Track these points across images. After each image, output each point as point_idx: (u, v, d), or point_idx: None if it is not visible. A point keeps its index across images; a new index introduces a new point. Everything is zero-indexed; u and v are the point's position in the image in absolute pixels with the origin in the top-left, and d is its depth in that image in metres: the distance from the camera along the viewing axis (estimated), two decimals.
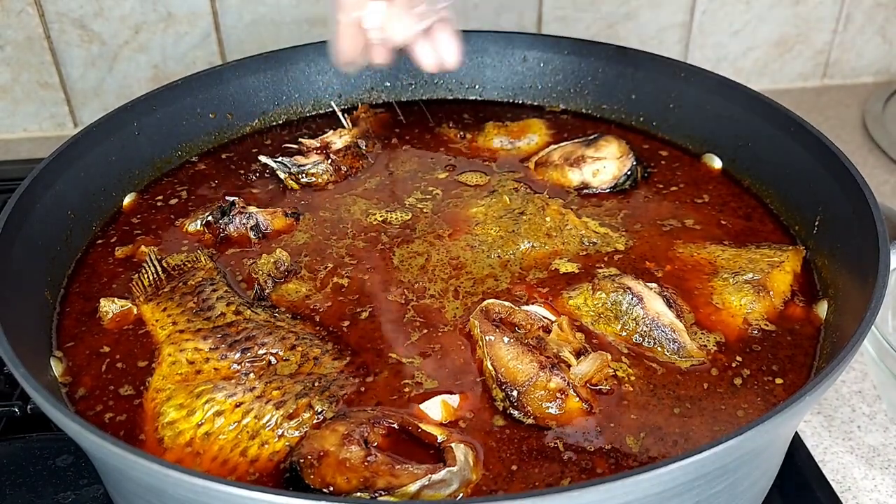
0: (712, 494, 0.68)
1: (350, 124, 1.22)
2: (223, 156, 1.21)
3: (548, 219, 1.02)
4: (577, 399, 0.78)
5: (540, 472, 0.73)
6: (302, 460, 0.71)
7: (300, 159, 1.14)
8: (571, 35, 1.33)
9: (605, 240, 1.01)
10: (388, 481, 0.69)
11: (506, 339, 0.82)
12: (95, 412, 0.81)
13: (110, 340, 0.89)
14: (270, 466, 0.74)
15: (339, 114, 1.23)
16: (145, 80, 1.62)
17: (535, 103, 1.31)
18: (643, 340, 0.86)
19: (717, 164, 1.15)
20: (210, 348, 0.84)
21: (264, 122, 1.28)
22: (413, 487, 0.68)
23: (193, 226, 1.05)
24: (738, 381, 0.83)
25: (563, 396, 0.78)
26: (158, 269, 0.96)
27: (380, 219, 1.06)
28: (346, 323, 0.90)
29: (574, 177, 1.11)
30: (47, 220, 0.96)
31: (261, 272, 0.96)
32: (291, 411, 0.77)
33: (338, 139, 1.18)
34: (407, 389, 0.81)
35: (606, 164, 1.11)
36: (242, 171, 1.17)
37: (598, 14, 1.67)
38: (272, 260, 0.97)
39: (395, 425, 0.76)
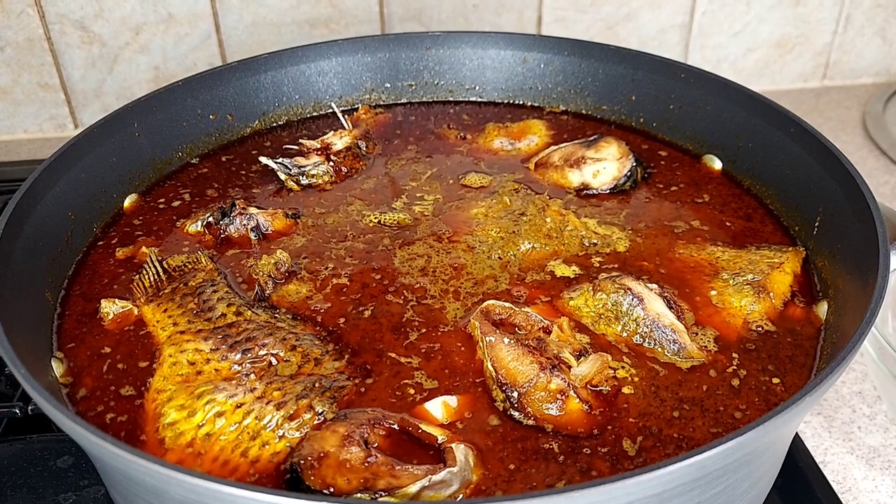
0: (713, 495, 0.68)
1: (350, 125, 1.22)
2: (223, 157, 1.21)
3: (548, 220, 1.02)
4: (578, 400, 0.78)
5: (540, 472, 0.73)
6: (302, 461, 0.71)
7: (300, 160, 1.14)
8: (571, 36, 1.33)
9: (605, 241, 1.01)
10: (389, 482, 0.69)
11: (506, 341, 0.82)
12: (96, 413, 0.81)
13: (111, 341, 0.89)
14: (271, 467, 0.74)
15: (340, 115, 1.24)
16: (146, 81, 1.62)
17: (536, 104, 1.32)
18: (644, 341, 0.86)
19: (717, 164, 1.15)
20: (211, 349, 0.84)
21: (265, 123, 1.28)
22: (413, 488, 0.68)
23: (194, 227, 1.05)
24: (737, 382, 0.83)
25: (563, 398, 0.78)
26: (159, 270, 0.96)
27: (379, 220, 1.06)
28: (347, 324, 0.90)
29: (574, 178, 1.11)
30: (48, 221, 0.96)
31: (261, 273, 0.96)
32: (292, 412, 0.77)
33: (338, 140, 1.18)
34: (407, 390, 0.81)
35: (606, 165, 1.11)
36: (243, 172, 1.17)
37: (598, 15, 1.68)
38: (273, 261, 0.97)
39: (396, 426, 0.76)
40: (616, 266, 0.97)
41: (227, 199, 1.10)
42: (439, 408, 0.79)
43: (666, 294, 0.89)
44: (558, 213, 1.03)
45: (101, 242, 1.04)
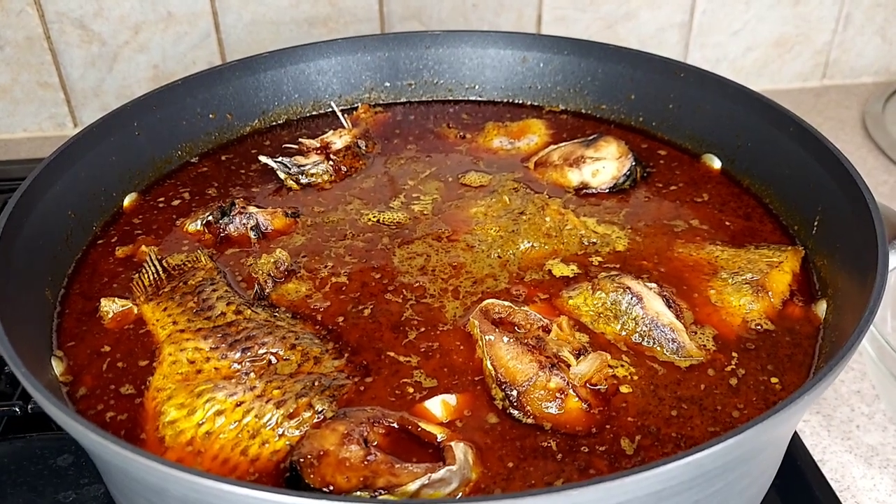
0: (711, 493, 0.68)
1: (350, 124, 1.22)
2: (223, 156, 1.21)
3: (547, 219, 1.02)
4: (577, 399, 0.78)
5: (539, 471, 0.74)
6: (302, 460, 0.71)
7: (300, 159, 1.14)
8: (571, 35, 1.34)
9: (604, 240, 1.01)
10: (388, 480, 0.69)
11: (505, 339, 0.82)
12: (96, 411, 0.81)
13: (111, 340, 0.89)
14: (271, 466, 0.74)
15: (339, 114, 1.24)
16: (145, 80, 1.62)
17: (535, 103, 1.32)
18: (642, 340, 0.86)
19: (716, 164, 1.15)
20: (210, 348, 0.85)
21: (264, 122, 1.28)
22: (413, 486, 0.68)
23: (194, 226, 1.05)
24: (736, 381, 0.83)
25: (562, 396, 0.78)
26: (159, 268, 0.96)
27: (379, 219, 1.06)
28: (346, 322, 0.90)
29: (573, 177, 1.11)
30: (48, 219, 0.96)
31: (261, 272, 0.96)
32: (292, 410, 0.77)
33: (338, 139, 1.18)
34: (406, 389, 0.81)
35: (606, 164, 1.11)
36: (242, 171, 1.17)
37: (598, 14, 1.68)
38: (272, 260, 0.97)
39: (395, 424, 0.77)
40: (615, 265, 0.97)
41: (227, 198, 1.10)
42: (439, 406, 0.79)
43: (665, 293, 0.89)
44: (557, 212, 1.03)
45: (100, 241, 1.04)
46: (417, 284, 0.95)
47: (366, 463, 0.71)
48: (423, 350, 0.86)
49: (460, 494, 0.71)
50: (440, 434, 0.75)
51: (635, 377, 0.82)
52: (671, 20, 1.69)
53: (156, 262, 0.97)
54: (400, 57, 1.31)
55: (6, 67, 1.57)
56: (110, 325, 0.91)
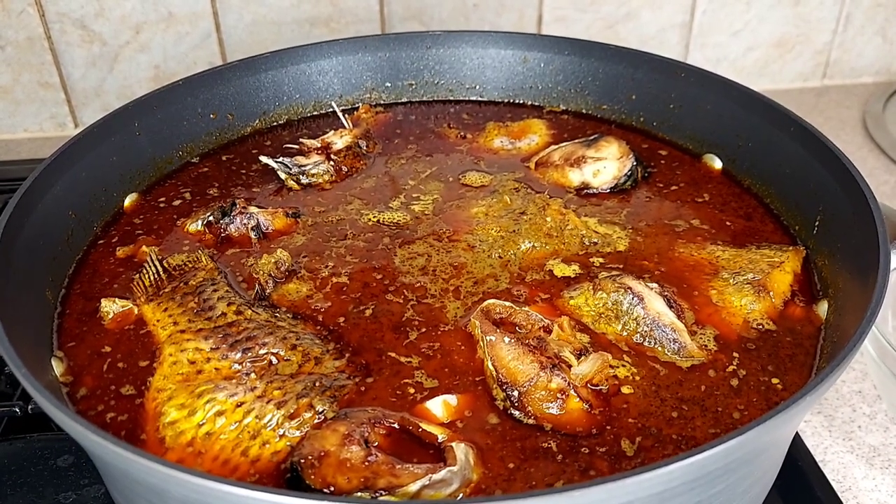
0: (713, 494, 0.68)
1: (351, 124, 1.22)
2: (224, 156, 1.21)
3: (548, 219, 1.02)
4: (578, 399, 0.78)
5: (540, 472, 0.73)
6: (303, 460, 0.71)
7: (301, 159, 1.14)
8: (571, 35, 1.33)
9: (605, 240, 1.01)
10: (389, 481, 0.69)
11: (506, 340, 0.82)
12: (97, 412, 0.81)
13: (111, 340, 0.89)
14: (271, 467, 0.74)
15: (340, 114, 1.23)
16: (146, 80, 1.62)
17: (536, 103, 1.31)
18: (644, 340, 0.86)
19: (717, 164, 1.15)
20: (211, 348, 0.84)
21: (265, 122, 1.28)
22: (414, 487, 0.68)
23: (194, 226, 1.05)
24: (737, 381, 0.83)
25: (563, 397, 0.78)
26: (159, 269, 0.96)
27: (380, 219, 1.06)
28: (347, 323, 0.90)
29: (574, 177, 1.11)
30: (48, 220, 0.96)
31: (261, 272, 0.96)
32: (292, 411, 0.77)
33: (338, 139, 1.18)
34: (407, 389, 0.81)
35: (607, 164, 1.11)
36: (243, 172, 1.17)
37: (598, 14, 1.68)
38: (273, 260, 0.97)
39: (396, 425, 0.76)
40: (616, 265, 0.97)
41: (228, 198, 1.10)
42: (440, 407, 0.79)
43: (666, 293, 0.89)
44: (559, 213, 1.03)
45: (101, 241, 1.04)
46: (418, 285, 0.95)
47: (367, 463, 0.71)
48: (424, 350, 0.86)
49: (461, 495, 0.70)
50: (441, 434, 0.75)
51: (636, 378, 0.82)
52: (672, 20, 1.69)
53: (156, 263, 0.97)
54: (401, 57, 1.31)
55: (7, 67, 1.57)
56: (111, 325, 0.91)
